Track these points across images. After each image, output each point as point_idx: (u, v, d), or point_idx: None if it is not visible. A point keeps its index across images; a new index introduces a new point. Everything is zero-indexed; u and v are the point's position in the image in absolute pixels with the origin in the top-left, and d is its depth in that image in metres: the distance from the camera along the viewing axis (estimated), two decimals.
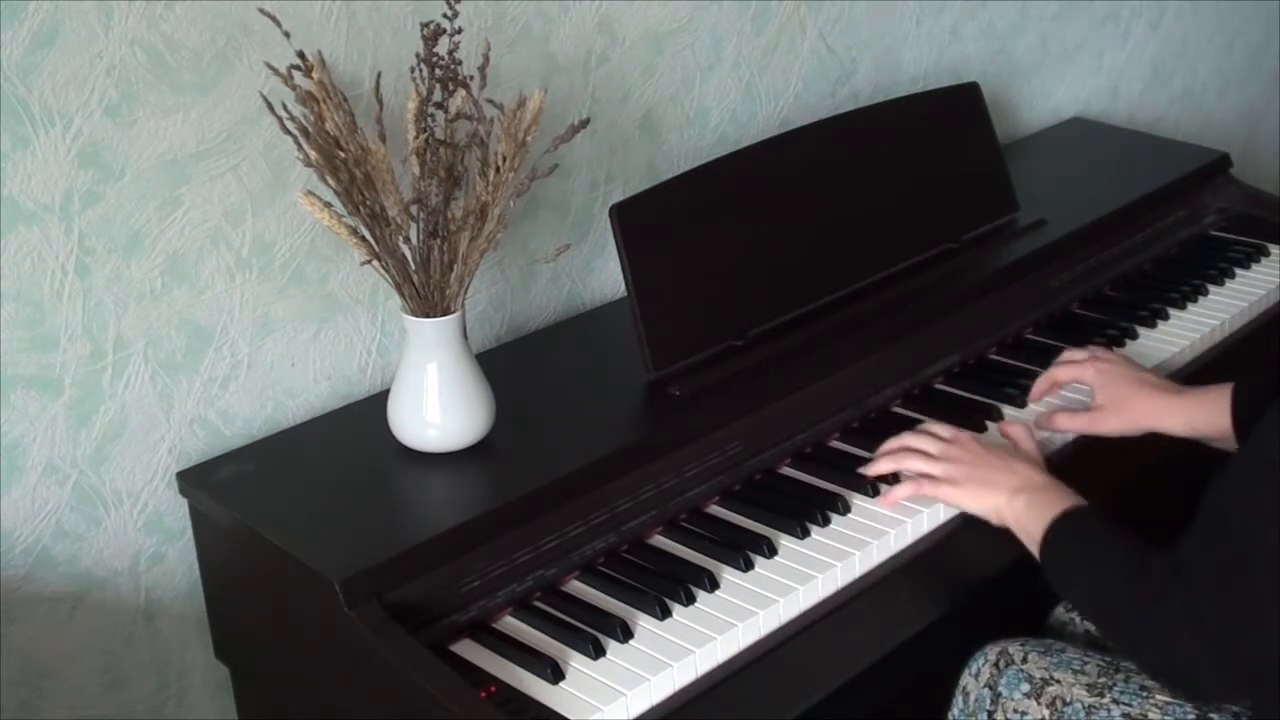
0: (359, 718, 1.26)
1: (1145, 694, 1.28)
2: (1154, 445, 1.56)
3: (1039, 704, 1.32)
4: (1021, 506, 1.36)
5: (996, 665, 1.37)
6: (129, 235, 1.34)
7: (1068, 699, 1.31)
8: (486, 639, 1.27)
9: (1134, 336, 1.79)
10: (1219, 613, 1.14)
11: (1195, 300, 1.88)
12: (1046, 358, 1.71)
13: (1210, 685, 1.20)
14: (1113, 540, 1.28)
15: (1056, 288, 1.85)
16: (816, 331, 1.59)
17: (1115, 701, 1.29)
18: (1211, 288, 1.91)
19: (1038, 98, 2.36)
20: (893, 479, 1.47)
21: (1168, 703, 1.27)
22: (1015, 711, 1.33)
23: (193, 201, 1.37)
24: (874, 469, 1.47)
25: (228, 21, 1.34)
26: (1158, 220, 2.01)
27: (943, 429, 1.47)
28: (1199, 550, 1.18)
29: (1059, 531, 1.31)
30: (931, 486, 1.41)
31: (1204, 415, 1.48)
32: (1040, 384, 1.62)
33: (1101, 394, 1.55)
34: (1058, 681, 1.32)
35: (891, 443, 1.48)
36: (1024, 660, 1.36)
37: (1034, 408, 1.62)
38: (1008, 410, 1.61)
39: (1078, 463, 1.53)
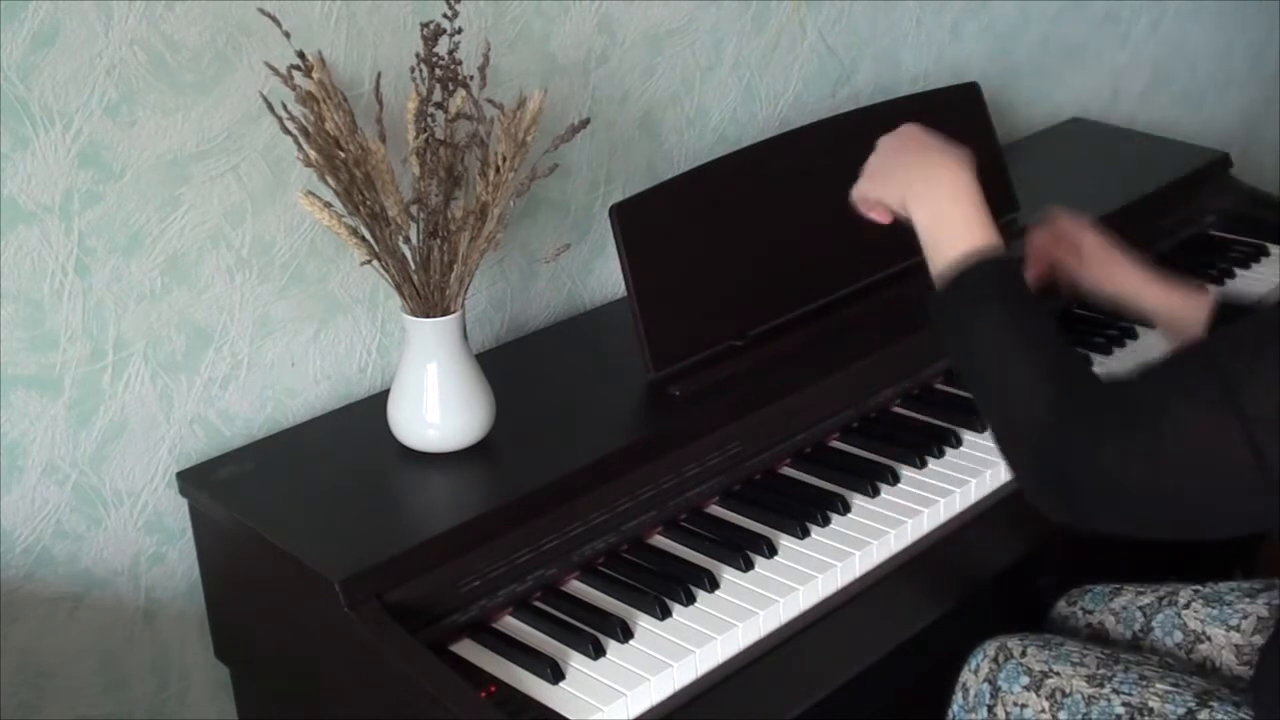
0: (359, 717, 1.26)
1: (1145, 683, 1.28)
2: None
3: (1038, 696, 1.32)
4: (933, 202, 1.23)
5: (995, 660, 1.37)
6: (129, 235, 1.34)
7: (1067, 690, 1.31)
8: (486, 639, 1.27)
9: (1134, 336, 1.79)
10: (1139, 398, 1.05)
11: None
12: None
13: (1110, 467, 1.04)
14: (1035, 305, 1.17)
15: (1056, 287, 1.85)
16: (816, 331, 1.59)
17: (1115, 692, 1.29)
18: (1211, 288, 1.91)
19: (1038, 98, 2.36)
20: (893, 478, 1.48)
21: (1168, 691, 1.27)
22: (1015, 704, 1.33)
23: (193, 201, 1.37)
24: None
25: (228, 21, 1.34)
26: (1158, 220, 2.01)
27: None
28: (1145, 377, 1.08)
29: (978, 269, 1.19)
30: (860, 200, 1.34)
31: (1183, 305, 1.47)
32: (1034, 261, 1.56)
33: (1089, 244, 1.55)
34: (1057, 674, 1.32)
35: None
36: (1023, 654, 1.36)
37: None
38: None
39: None
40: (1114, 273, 1.54)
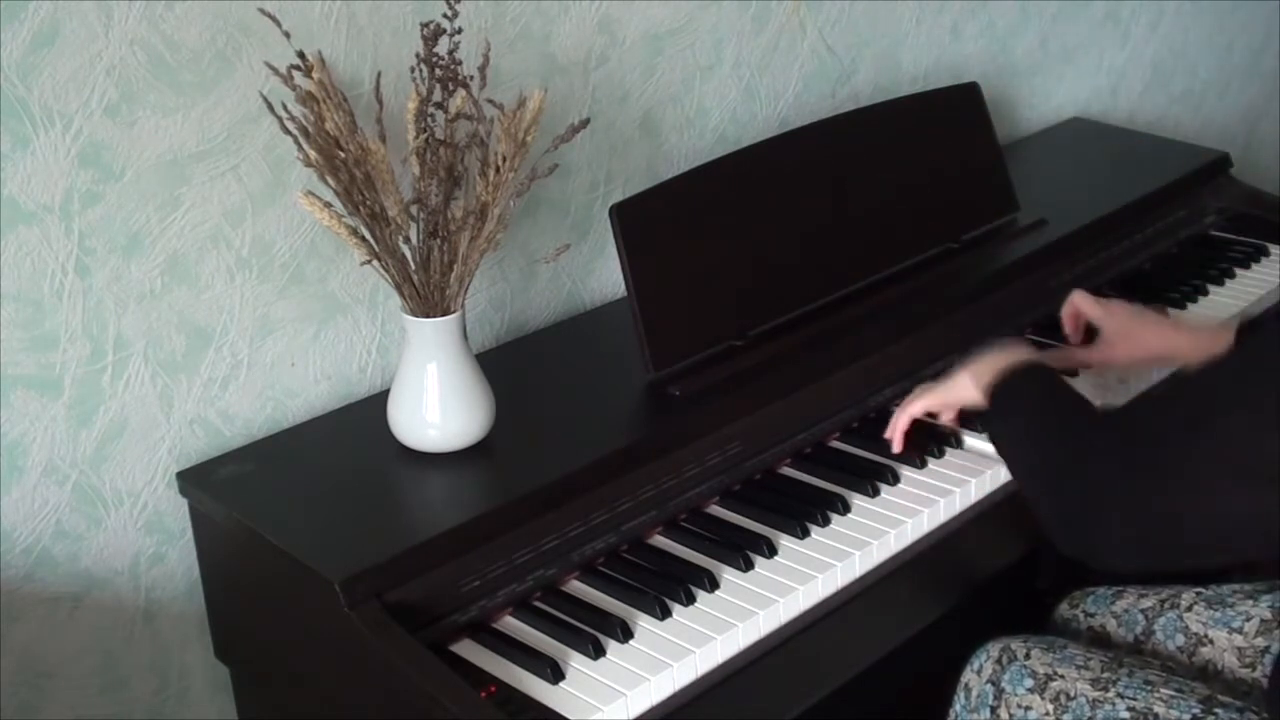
0: (359, 717, 1.26)
1: (1149, 688, 1.28)
2: None
3: (1043, 698, 1.32)
4: (985, 369, 1.41)
5: (999, 661, 1.37)
6: (129, 235, 1.34)
7: (1072, 693, 1.31)
8: (486, 639, 1.27)
9: None
10: (1148, 460, 1.14)
11: (1195, 300, 1.88)
12: None
13: (1112, 532, 1.17)
14: (1065, 389, 1.33)
15: (1056, 288, 1.84)
16: (816, 331, 1.59)
17: (1120, 696, 1.29)
18: (1211, 288, 1.91)
19: (1038, 98, 2.36)
20: (893, 478, 1.48)
21: (1173, 696, 1.27)
22: (1019, 707, 1.33)
23: (193, 201, 1.37)
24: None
25: (228, 21, 1.34)
26: (1158, 220, 2.01)
27: None
28: (1150, 409, 1.23)
29: (1013, 375, 1.36)
30: (902, 408, 1.51)
31: (1210, 342, 1.52)
32: (1067, 324, 1.67)
33: (1109, 327, 1.61)
34: (1061, 676, 1.32)
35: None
36: (1027, 656, 1.36)
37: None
38: None
39: None
40: (1138, 345, 1.59)
